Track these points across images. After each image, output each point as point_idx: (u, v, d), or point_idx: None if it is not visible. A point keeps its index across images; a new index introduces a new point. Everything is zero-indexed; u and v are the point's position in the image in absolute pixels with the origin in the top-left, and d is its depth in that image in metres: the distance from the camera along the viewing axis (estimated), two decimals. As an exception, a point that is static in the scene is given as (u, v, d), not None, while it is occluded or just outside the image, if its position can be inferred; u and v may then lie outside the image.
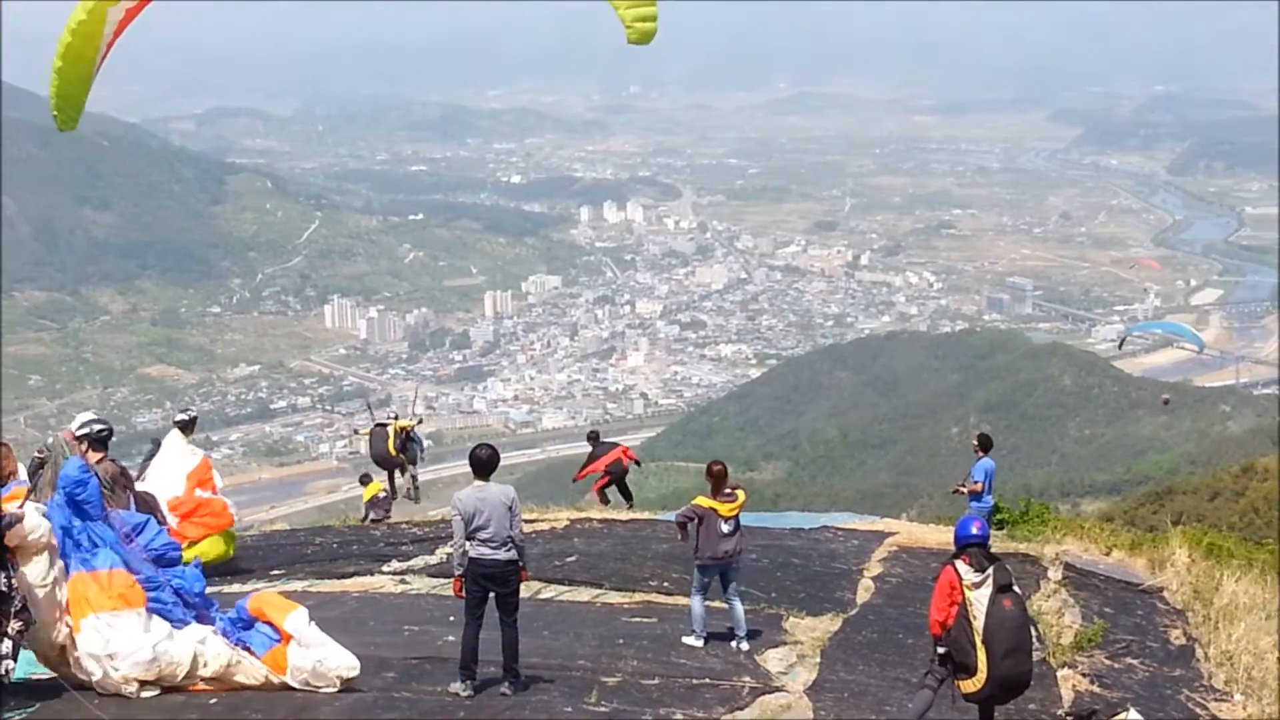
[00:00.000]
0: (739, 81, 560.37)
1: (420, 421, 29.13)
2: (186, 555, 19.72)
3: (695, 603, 16.94)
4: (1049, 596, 20.10)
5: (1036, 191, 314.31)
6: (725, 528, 16.70)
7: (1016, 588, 13.14)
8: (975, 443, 24.69)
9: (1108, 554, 23.02)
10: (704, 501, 16.70)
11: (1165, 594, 20.47)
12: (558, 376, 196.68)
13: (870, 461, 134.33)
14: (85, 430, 16.02)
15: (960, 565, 12.96)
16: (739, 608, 17.10)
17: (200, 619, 13.95)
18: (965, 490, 23.81)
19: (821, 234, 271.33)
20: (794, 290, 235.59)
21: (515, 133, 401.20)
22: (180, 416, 22.95)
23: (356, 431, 29.10)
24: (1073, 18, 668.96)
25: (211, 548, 21.07)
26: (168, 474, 21.43)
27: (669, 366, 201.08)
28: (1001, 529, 24.99)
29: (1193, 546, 22.20)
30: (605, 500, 29.78)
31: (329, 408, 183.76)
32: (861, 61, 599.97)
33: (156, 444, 22.86)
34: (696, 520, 16.64)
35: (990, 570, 12.86)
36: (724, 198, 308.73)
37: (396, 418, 27.15)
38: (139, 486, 21.20)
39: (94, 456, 15.23)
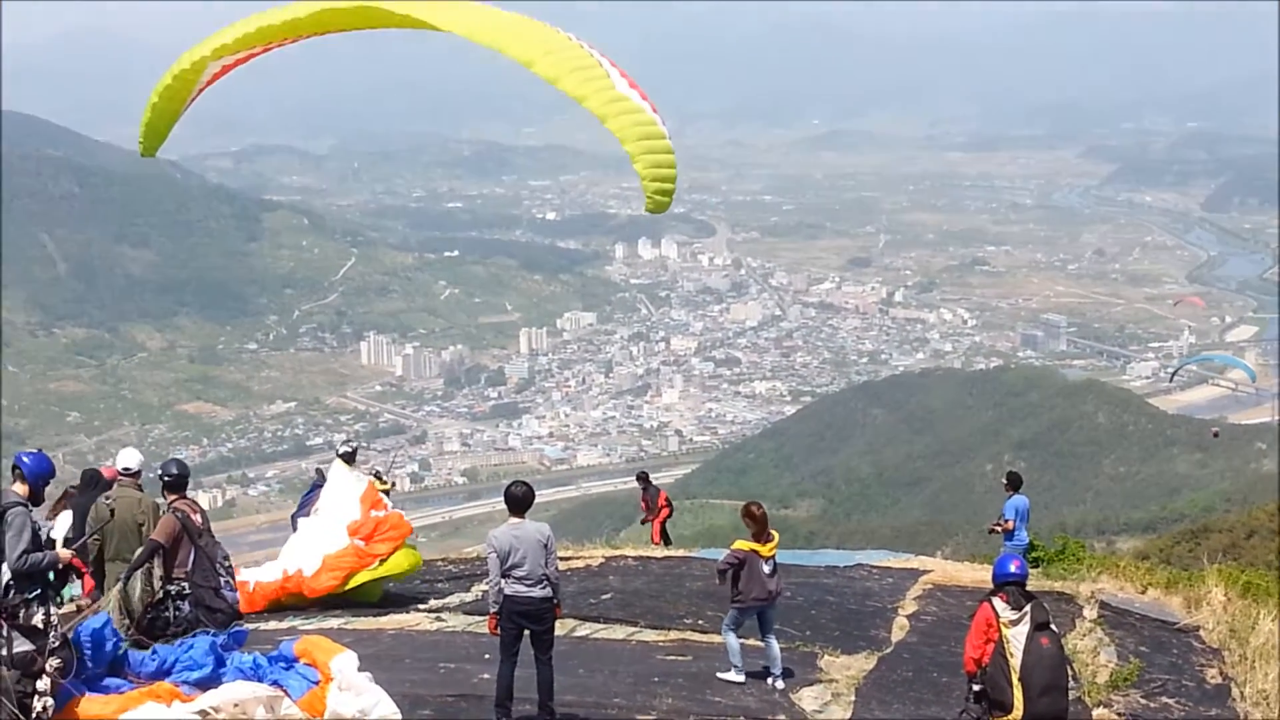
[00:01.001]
0: (773, 118, 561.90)
1: (393, 486, 29.21)
2: (378, 573, 21.28)
3: (730, 639, 16.94)
4: (1085, 635, 20.05)
5: (1070, 228, 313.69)
6: (767, 569, 16.73)
7: (1053, 626, 13.18)
8: (1005, 481, 24.64)
9: (1143, 592, 22.95)
10: (745, 545, 16.69)
11: (1201, 633, 20.40)
12: (593, 413, 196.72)
13: (905, 499, 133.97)
14: (150, 472, 16.20)
15: (997, 603, 12.99)
16: (775, 646, 17.11)
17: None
18: (999, 529, 23.83)
19: (855, 271, 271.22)
20: (828, 327, 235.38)
21: (550, 170, 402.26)
22: (344, 448, 24.03)
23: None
24: (1105, 55, 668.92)
25: (404, 559, 21.67)
26: (341, 501, 22.14)
27: (704, 403, 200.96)
28: (1037, 566, 24.96)
29: (1229, 585, 22.09)
30: (669, 540, 30.45)
31: (365, 445, 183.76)
32: (895, 98, 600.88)
33: (321, 475, 23.63)
34: (739, 564, 16.61)
35: (1028, 608, 12.90)
36: (758, 234, 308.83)
37: (379, 477, 27.17)
38: (310, 518, 22.69)
39: (170, 498, 15.25)
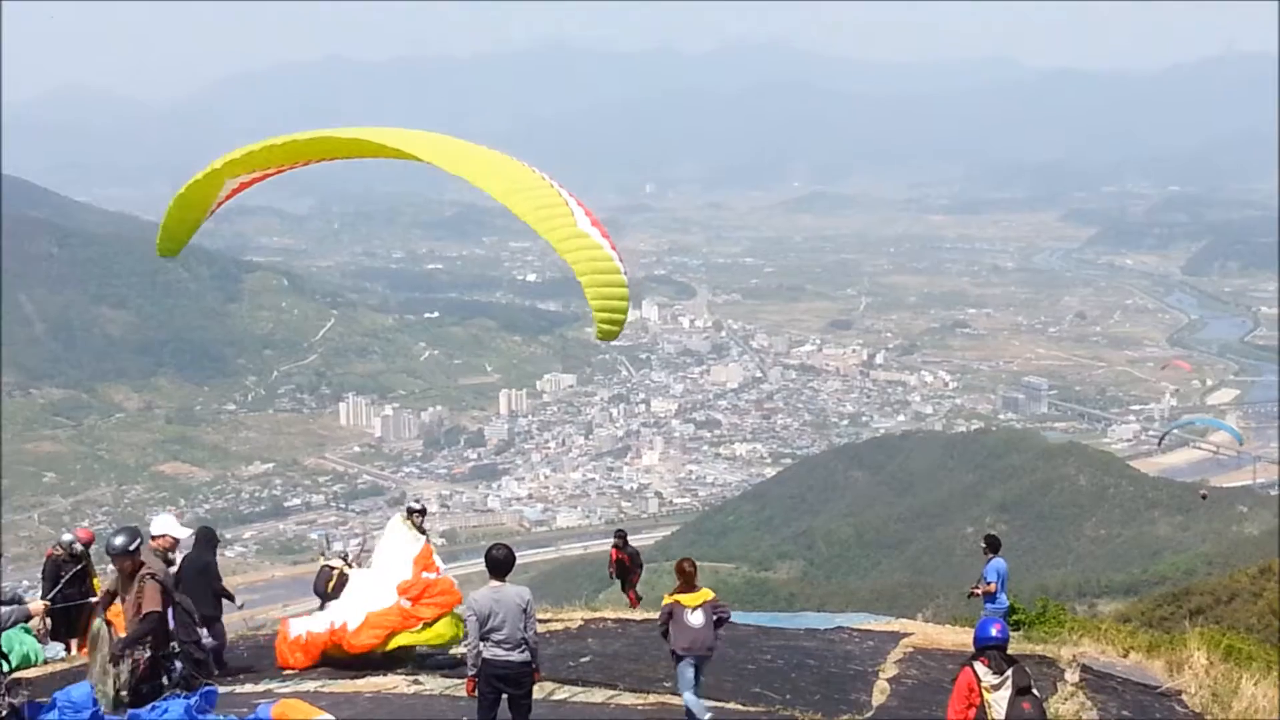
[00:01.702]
0: (754, 181, 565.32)
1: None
2: (420, 638, 21.01)
3: (688, 698, 17.01)
4: (1066, 699, 19.93)
5: (1051, 291, 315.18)
6: (694, 620, 16.85)
7: (1035, 690, 13.07)
8: (983, 544, 24.48)
9: (1125, 655, 22.85)
10: (669, 598, 17.09)
11: (1184, 697, 20.30)
12: (572, 475, 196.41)
13: (885, 561, 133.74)
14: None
15: (979, 667, 12.91)
16: (697, 703, 17.11)
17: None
18: (980, 593, 23.68)
19: (836, 333, 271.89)
20: (809, 389, 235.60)
21: (530, 232, 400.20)
22: (413, 505, 24.13)
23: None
24: (1086, 117, 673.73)
25: (447, 628, 21.15)
26: (394, 558, 21.91)
27: (684, 465, 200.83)
28: (1018, 629, 24.88)
29: (1211, 648, 22.02)
30: (639, 599, 30.94)
31: (343, 506, 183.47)
32: (876, 160, 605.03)
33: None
34: (668, 616, 16.91)
35: (1009, 672, 12.82)
36: (739, 296, 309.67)
37: (346, 560, 26.96)
38: (361, 570, 23.14)
39: (128, 565, 15.10)
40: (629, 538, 32.42)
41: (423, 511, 23.97)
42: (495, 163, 15.10)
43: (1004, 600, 23.64)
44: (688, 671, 16.97)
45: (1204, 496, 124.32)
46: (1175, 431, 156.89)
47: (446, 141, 15.91)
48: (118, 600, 15.03)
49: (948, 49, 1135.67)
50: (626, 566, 31.35)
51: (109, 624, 14.86)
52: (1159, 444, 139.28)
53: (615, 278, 14.40)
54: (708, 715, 17.01)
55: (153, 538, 15.31)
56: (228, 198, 15.74)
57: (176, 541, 16.35)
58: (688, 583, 17.11)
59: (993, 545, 23.98)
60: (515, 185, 14.42)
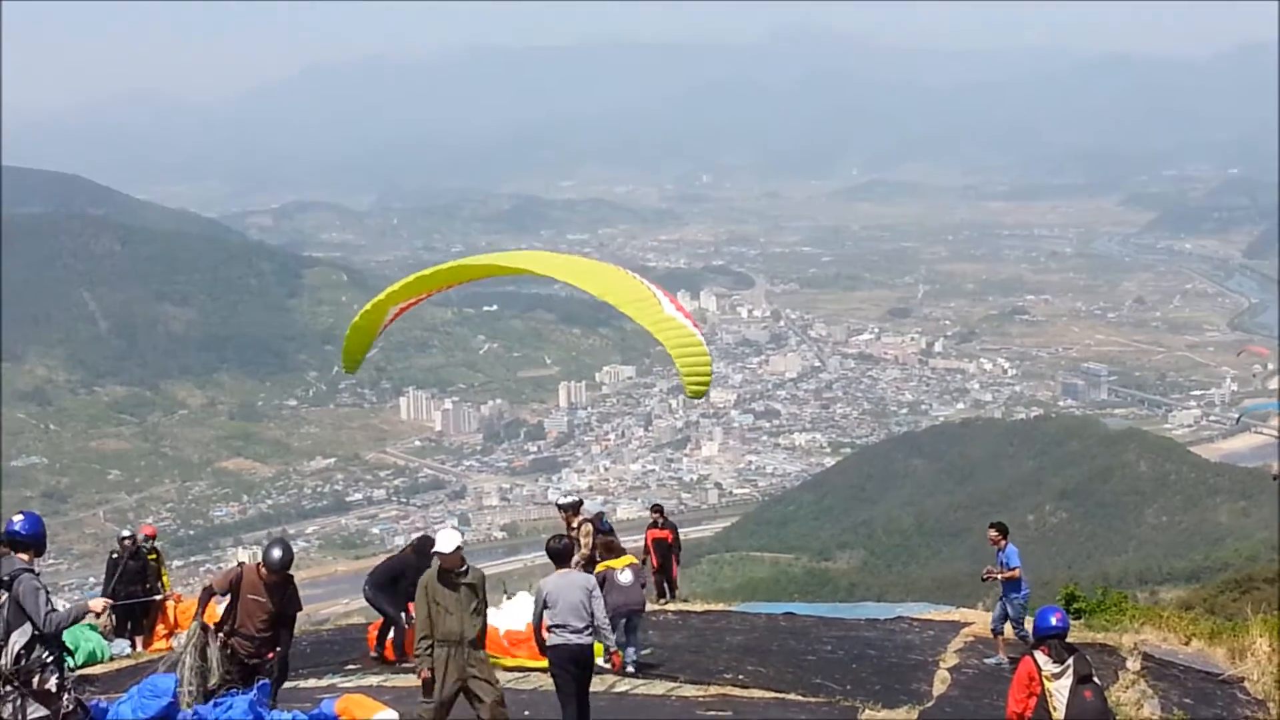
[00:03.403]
0: (810, 169, 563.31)
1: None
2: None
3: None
4: (1128, 687, 19.93)
5: (1110, 276, 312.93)
6: (622, 578, 20.57)
7: (1096, 678, 13.11)
8: (995, 532, 23.66)
9: (1187, 643, 22.80)
10: (601, 566, 20.93)
11: (1246, 684, 20.26)
12: (632, 467, 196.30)
13: (945, 550, 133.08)
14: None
15: (1039, 656, 12.97)
16: (630, 651, 20.84)
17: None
18: (1000, 577, 22.98)
19: (895, 321, 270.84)
20: (868, 378, 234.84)
21: (588, 223, 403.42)
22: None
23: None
24: (1143, 102, 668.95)
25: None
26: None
27: (743, 456, 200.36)
28: (1079, 618, 24.84)
29: (1274, 635, 21.94)
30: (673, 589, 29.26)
31: (404, 500, 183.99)
32: (933, 148, 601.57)
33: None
34: (601, 583, 18.76)
35: (1070, 661, 12.86)
36: (797, 286, 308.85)
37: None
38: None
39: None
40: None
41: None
42: (595, 271, 18.49)
43: (1027, 589, 23.16)
44: (614, 628, 19.10)
45: (1276, 477, 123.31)
46: (1256, 412, 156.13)
47: (555, 258, 19.54)
48: (215, 599, 15.69)
49: (1003, 37, 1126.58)
50: (668, 545, 28.79)
51: (206, 627, 15.44)
52: (1237, 421, 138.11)
53: (698, 349, 16.67)
54: (631, 663, 20.63)
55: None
56: (390, 321, 18.64)
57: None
58: (615, 552, 20.79)
59: (1004, 531, 23.52)
60: (611, 285, 17.18)
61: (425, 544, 21.08)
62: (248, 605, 15.20)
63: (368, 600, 22.52)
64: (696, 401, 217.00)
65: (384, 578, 22.16)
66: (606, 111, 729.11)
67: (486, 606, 15.05)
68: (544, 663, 19.75)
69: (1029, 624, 22.75)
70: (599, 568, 20.63)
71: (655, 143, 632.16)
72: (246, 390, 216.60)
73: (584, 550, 23.21)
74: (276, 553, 15.21)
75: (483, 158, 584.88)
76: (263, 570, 15.15)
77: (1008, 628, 22.86)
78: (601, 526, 24.72)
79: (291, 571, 15.38)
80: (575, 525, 23.88)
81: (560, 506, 24.14)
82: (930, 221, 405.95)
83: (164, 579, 26.33)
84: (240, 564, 15.73)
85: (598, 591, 15.34)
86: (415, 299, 18.54)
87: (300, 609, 15.75)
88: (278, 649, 15.39)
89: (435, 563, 14.94)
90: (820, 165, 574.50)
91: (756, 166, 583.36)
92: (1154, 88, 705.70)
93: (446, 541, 14.78)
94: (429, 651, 14.65)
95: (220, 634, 15.34)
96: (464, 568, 14.71)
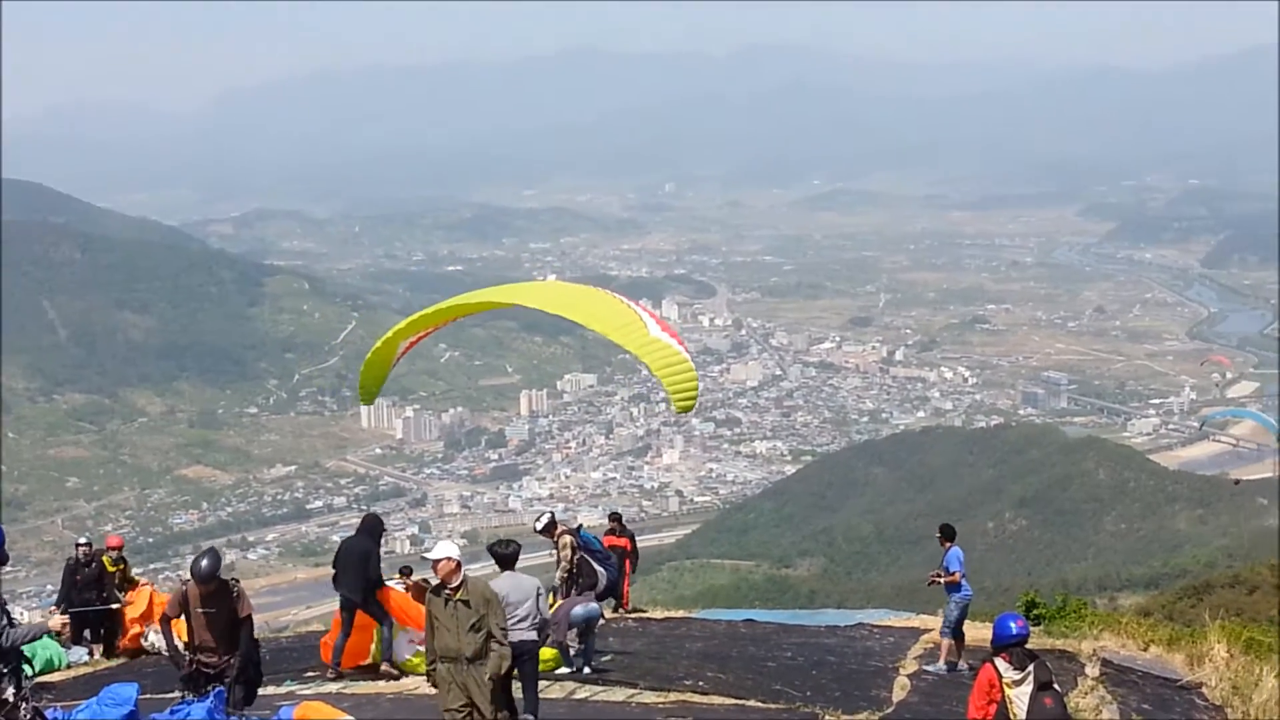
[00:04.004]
0: (773, 179, 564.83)
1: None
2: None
3: None
4: (1087, 693, 19.97)
5: (1070, 286, 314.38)
6: None
7: (1056, 685, 13.14)
8: (940, 534, 23.49)
9: (1145, 649, 22.91)
10: None
11: (1204, 690, 20.35)
12: (593, 475, 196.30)
13: (905, 557, 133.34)
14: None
15: (999, 663, 12.98)
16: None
17: None
18: (943, 580, 22.84)
19: (856, 330, 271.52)
20: (829, 386, 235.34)
21: (550, 232, 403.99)
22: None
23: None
24: (1105, 114, 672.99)
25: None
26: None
27: (704, 464, 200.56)
28: (1039, 624, 24.94)
29: (1231, 641, 22.05)
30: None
31: (365, 508, 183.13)
32: (895, 159, 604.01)
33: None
34: None
35: (1031, 668, 12.88)
36: (758, 294, 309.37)
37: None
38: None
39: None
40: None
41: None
42: (582, 298, 19.10)
43: (968, 590, 23.02)
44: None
45: (1237, 483, 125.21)
46: (1216, 420, 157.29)
47: (548, 290, 21.64)
48: (174, 621, 15.79)
49: (966, 50, 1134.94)
50: (624, 553, 28.27)
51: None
52: (1200, 428, 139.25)
53: (683, 366, 17.24)
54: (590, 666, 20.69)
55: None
56: (400, 355, 19.85)
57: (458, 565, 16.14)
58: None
59: (949, 534, 23.41)
60: (597, 313, 17.92)
61: (369, 521, 21.10)
62: (198, 620, 15.30)
63: (361, 608, 20.90)
64: (658, 409, 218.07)
65: (367, 579, 20.90)
66: (573, 122, 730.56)
67: (499, 621, 14.52)
68: None
69: (968, 628, 22.88)
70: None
71: (620, 153, 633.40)
72: (206, 398, 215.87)
73: (565, 564, 22.95)
74: (204, 563, 15.21)
75: (448, 167, 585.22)
76: (193, 585, 15.25)
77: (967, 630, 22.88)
78: (581, 538, 24.62)
79: (239, 577, 15.46)
80: (555, 539, 23.58)
81: (540, 532, 23.65)
82: (892, 231, 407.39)
83: (136, 585, 26.21)
84: (184, 582, 15.73)
85: (543, 591, 15.42)
86: (420, 335, 19.82)
87: (249, 609, 15.63)
88: (236, 651, 15.35)
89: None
90: (783, 175, 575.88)
91: (720, 176, 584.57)
92: (1114, 100, 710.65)
93: (435, 550, 14.72)
94: (433, 669, 14.59)
95: (187, 653, 15.45)
96: (456, 582, 14.53)
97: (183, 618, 15.51)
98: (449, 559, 14.42)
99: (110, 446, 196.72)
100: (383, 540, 21.64)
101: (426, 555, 15.11)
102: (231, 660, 15.34)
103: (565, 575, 22.57)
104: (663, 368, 17.08)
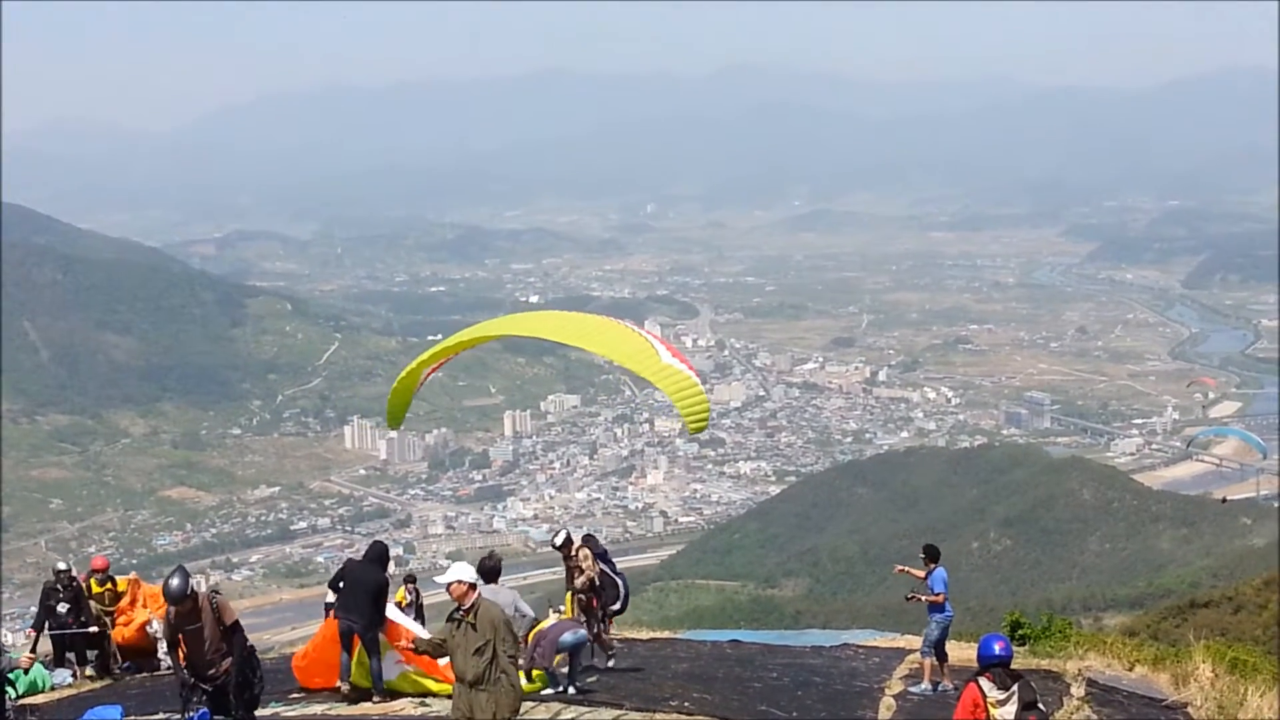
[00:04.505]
0: (755, 199, 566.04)
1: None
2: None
3: None
4: (1072, 714, 19.96)
5: (1052, 306, 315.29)
6: None
7: (1041, 705, 13.14)
8: (924, 555, 23.35)
9: (1131, 669, 22.88)
10: None
11: (1189, 710, 20.33)
12: (577, 495, 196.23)
13: (891, 577, 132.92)
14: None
15: (984, 683, 12.96)
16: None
17: None
18: (924, 599, 22.70)
19: (839, 350, 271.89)
20: (812, 407, 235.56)
21: (533, 253, 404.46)
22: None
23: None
24: (1086, 135, 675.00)
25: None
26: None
27: (688, 484, 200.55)
28: (1024, 644, 24.92)
29: (1216, 661, 22.02)
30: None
31: (349, 529, 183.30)
32: (877, 179, 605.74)
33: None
34: None
35: (1015, 688, 12.87)
36: (741, 315, 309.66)
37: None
38: None
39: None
40: None
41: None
42: (597, 329, 20.03)
43: (950, 610, 22.94)
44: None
45: (1224, 501, 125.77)
46: (1202, 439, 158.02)
47: (557, 318, 23.07)
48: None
49: (947, 69, 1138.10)
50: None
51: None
52: (1187, 447, 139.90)
53: (695, 390, 18.34)
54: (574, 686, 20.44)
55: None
56: (424, 380, 21.31)
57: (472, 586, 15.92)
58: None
59: (933, 555, 23.35)
60: (612, 344, 19.14)
61: (378, 549, 20.94)
62: (187, 640, 15.40)
63: (360, 635, 20.00)
64: (642, 430, 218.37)
65: (377, 613, 20.18)
66: (556, 143, 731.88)
67: (507, 650, 14.27)
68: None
69: (948, 646, 22.78)
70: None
71: (601, 174, 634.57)
72: (189, 419, 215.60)
73: (588, 575, 23.00)
74: (174, 581, 15.32)
75: (430, 188, 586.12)
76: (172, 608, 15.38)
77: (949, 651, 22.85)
78: (596, 549, 24.53)
79: (210, 592, 15.52)
80: (574, 554, 23.48)
81: (558, 548, 23.56)
82: (874, 251, 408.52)
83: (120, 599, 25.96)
84: (170, 609, 15.72)
85: (520, 604, 15.45)
86: (441, 362, 21.08)
87: (233, 617, 15.77)
88: (229, 659, 15.52)
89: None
90: (765, 196, 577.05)
91: (701, 197, 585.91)
92: (1096, 120, 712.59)
93: (448, 573, 14.69)
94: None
95: (184, 670, 15.54)
96: (468, 604, 14.45)
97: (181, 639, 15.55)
98: (458, 581, 14.39)
99: (93, 468, 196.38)
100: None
101: (438, 580, 15.08)
102: (226, 668, 15.47)
103: (588, 587, 22.75)
104: (676, 392, 18.10)
